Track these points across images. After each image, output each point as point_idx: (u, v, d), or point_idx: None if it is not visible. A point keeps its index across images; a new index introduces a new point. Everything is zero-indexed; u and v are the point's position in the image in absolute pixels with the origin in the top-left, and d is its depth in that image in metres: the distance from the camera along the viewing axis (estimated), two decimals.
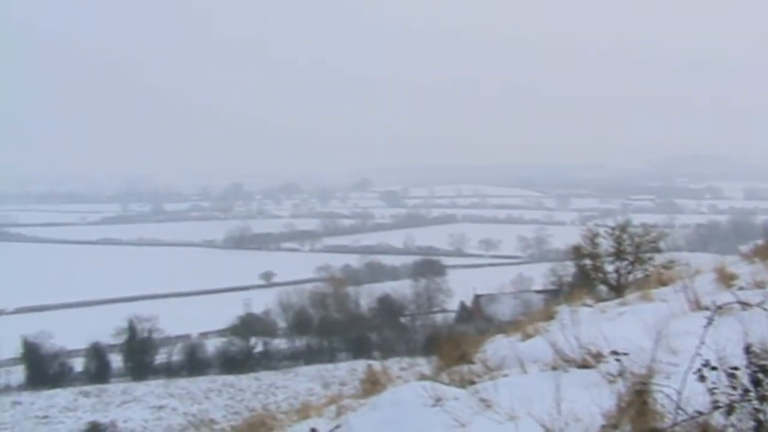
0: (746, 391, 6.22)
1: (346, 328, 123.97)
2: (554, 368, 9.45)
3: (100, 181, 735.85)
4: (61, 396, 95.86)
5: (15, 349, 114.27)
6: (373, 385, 13.29)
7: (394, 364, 78.37)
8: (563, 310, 13.88)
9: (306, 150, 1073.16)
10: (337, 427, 10.02)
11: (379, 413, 9.29)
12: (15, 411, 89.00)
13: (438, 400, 8.94)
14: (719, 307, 7.72)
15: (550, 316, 14.20)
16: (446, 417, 8.29)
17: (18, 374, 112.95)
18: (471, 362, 11.83)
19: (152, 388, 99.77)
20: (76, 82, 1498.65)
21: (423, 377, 12.10)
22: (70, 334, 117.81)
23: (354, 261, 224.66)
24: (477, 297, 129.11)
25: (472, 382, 10.27)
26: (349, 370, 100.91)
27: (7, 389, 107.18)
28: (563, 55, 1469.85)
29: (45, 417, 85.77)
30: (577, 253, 58.13)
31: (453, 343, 13.09)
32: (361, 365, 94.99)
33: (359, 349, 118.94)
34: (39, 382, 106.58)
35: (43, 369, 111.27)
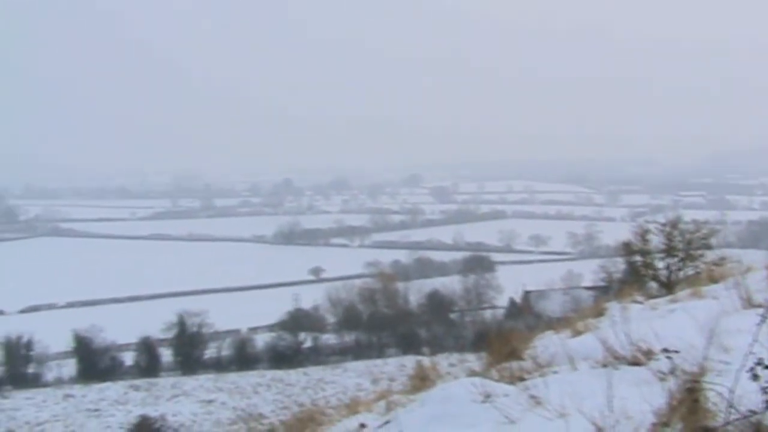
0: None
1: (394, 324, 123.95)
2: (604, 365, 9.40)
3: (150, 177, 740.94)
4: (112, 389, 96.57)
5: (67, 343, 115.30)
6: (422, 380, 13.28)
7: (442, 360, 78.47)
8: (613, 307, 13.79)
9: (356, 146, 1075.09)
10: (387, 422, 10.00)
11: (428, 409, 9.27)
12: (67, 403, 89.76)
13: (488, 397, 8.92)
14: None
15: (600, 313, 14.12)
16: (496, 413, 8.27)
17: (70, 367, 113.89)
18: (521, 359, 11.79)
19: (201, 382, 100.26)
20: (129, 80, 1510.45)
21: (472, 373, 12.05)
22: (121, 329, 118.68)
23: (403, 257, 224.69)
24: (526, 293, 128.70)
25: (522, 379, 10.24)
26: (397, 366, 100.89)
27: (59, 382, 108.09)
28: (619, 46, 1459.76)
29: (96, 410, 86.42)
30: (627, 249, 57.71)
31: (503, 340, 13.05)
32: (409, 361, 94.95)
33: (408, 344, 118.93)
34: (90, 375, 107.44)
35: (94, 362, 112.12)
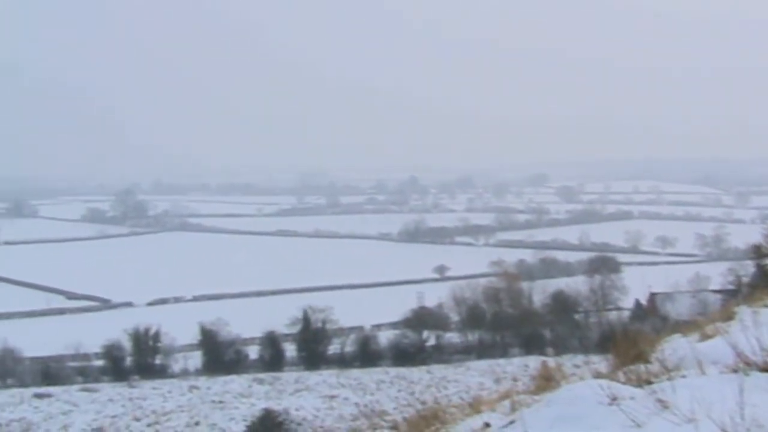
0: None
1: (518, 324, 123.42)
2: (734, 371, 9.21)
3: (276, 174, 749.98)
4: (236, 382, 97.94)
5: (193, 336, 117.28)
6: (546, 381, 13.17)
7: (567, 361, 77.78)
8: (743, 311, 13.51)
9: (481, 143, 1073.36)
10: (511, 422, 9.94)
11: (553, 410, 9.19)
12: (192, 395, 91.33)
13: (614, 399, 8.80)
14: None
15: (729, 317, 13.85)
16: (622, 416, 8.16)
17: (195, 359, 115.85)
18: (647, 361, 11.61)
19: (325, 377, 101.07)
20: (257, 77, 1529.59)
21: (598, 375, 11.91)
22: (246, 323, 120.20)
23: (528, 256, 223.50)
24: (652, 295, 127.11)
25: (649, 382, 10.08)
26: (520, 366, 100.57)
27: (184, 374, 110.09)
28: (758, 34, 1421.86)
29: (221, 402, 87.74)
30: (757, 252, 56.40)
31: (629, 342, 12.88)
32: (532, 361, 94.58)
33: (531, 344, 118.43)
34: (215, 367, 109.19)
35: (219, 355, 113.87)
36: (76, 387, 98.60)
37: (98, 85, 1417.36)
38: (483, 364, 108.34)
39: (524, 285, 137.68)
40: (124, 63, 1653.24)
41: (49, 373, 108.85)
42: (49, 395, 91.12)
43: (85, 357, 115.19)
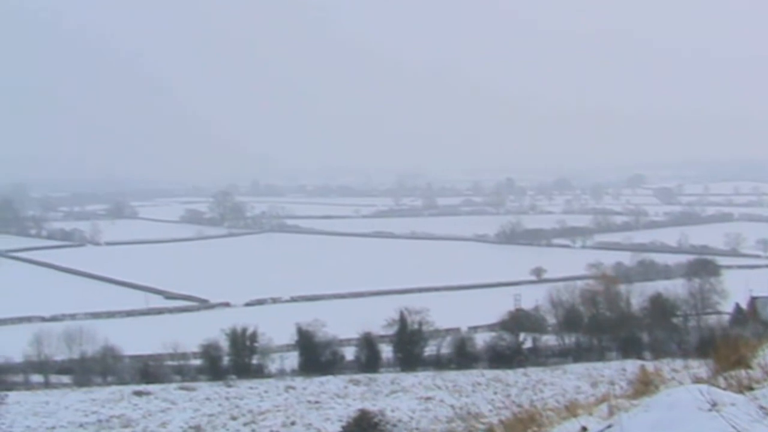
0: None
1: (616, 327, 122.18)
2: None
3: (373, 176, 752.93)
4: (332, 383, 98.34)
5: (290, 336, 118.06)
6: (645, 385, 13.03)
7: (665, 365, 76.83)
8: None
9: (578, 144, 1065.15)
10: (609, 426, 9.84)
11: (652, 415, 9.07)
12: (288, 395, 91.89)
13: (714, 405, 8.66)
14: None
15: None
16: (722, 422, 8.01)
17: (292, 360, 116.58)
18: (749, 367, 11.42)
19: (420, 379, 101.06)
20: (354, 78, 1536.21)
21: (698, 380, 11.74)
22: (342, 324, 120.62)
23: (626, 258, 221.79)
24: (753, 299, 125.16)
25: (751, 388, 9.91)
26: (618, 370, 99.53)
27: (281, 374, 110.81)
28: None
29: (316, 402, 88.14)
30: None
31: (730, 347, 12.67)
32: (630, 365, 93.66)
33: (629, 348, 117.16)
34: (311, 368, 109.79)
35: (315, 356, 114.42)
36: (174, 385, 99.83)
37: (195, 88, 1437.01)
38: (579, 367, 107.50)
39: (622, 288, 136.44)
40: (219, 64, 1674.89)
41: (148, 371, 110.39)
42: (148, 393, 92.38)
43: (183, 356, 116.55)
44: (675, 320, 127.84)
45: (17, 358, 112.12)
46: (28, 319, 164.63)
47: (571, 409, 13.56)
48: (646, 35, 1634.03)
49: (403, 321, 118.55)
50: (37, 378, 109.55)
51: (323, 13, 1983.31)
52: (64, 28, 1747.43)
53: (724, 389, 9.85)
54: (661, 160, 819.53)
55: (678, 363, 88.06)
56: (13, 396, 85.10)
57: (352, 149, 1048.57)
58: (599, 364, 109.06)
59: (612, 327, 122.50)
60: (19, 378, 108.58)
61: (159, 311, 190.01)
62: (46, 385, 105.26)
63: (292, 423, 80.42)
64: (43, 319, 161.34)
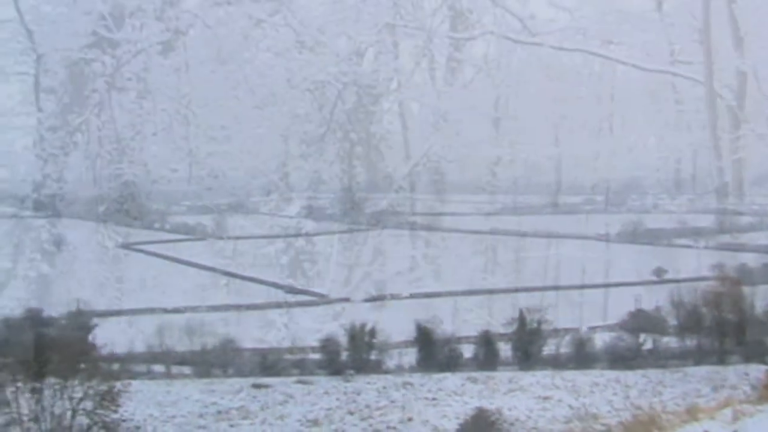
0: None
1: (739, 330, 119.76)
2: None
3: (499, 172, 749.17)
4: (450, 380, 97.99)
5: (408, 333, 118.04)
6: None
7: None
8: None
9: (700, 143, 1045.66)
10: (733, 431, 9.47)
11: None
12: (405, 391, 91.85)
13: None
14: None
15: None
16: None
17: (409, 356, 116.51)
18: None
19: (538, 378, 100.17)
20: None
21: None
22: (461, 321, 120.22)
23: (750, 260, 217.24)
24: None
25: None
26: (740, 374, 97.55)
27: (399, 370, 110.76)
28: None
29: (433, 399, 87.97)
30: None
31: None
32: (753, 370, 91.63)
33: (753, 352, 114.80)
34: (429, 365, 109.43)
35: (433, 353, 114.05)
36: (292, 379, 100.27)
37: None
38: (701, 370, 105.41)
39: (746, 290, 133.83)
40: None
41: (267, 364, 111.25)
42: (266, 386, 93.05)
43: (302, 350, 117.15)
44: None
45: (140, 348, 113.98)
46: (151, 311, 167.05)
47: (692, 413, 13.20)
48: None
49: (522, 319, 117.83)
50: (158, 368, 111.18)
51: None
52: None
53: None
54: None
55: None
56: (135, 385, 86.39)
57: (475, 143, 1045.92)
58: (721, 368, 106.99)
59: (735, 330, 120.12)
60: (141, 368, 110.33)
61: (278, 305, 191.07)
62: (168, 375, 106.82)
63: (409, 419, 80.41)
64: (165, 311, 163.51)
